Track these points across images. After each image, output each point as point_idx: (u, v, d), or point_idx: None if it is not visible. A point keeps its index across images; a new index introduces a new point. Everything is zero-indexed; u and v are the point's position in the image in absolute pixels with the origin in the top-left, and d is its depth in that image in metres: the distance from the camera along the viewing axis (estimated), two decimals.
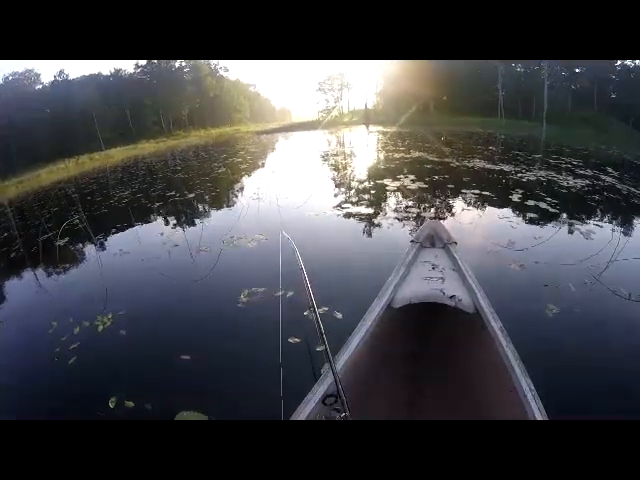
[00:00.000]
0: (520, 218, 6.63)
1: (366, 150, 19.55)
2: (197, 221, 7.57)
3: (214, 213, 8.43)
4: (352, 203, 7.81)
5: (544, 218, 6.61)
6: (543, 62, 38.12)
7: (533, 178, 10.08)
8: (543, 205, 7.27)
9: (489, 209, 7.30)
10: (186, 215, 8.17)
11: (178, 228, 7.15)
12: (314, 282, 2.43)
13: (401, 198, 8.19)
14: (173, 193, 10.43)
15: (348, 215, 6.95)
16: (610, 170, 12.07)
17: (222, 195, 10.17)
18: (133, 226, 7.85)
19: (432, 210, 7.17)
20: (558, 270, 4.41)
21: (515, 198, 7.83)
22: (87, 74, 48.21)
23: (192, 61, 52.58)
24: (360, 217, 6.79)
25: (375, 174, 11.04)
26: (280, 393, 2.34)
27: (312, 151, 19.99)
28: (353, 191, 9.13)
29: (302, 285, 2.52)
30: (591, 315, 3.61)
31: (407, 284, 2.37)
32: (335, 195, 8.83)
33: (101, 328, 3.83)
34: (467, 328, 2.31)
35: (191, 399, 2.75)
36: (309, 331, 3.24)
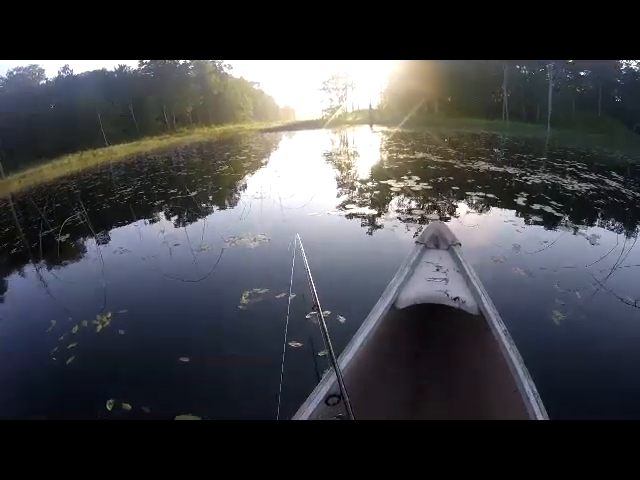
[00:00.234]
0: (525, 222, 6.57)
1: (370, 150, 19.45)
2: (198, 220, 7.50)
3: (216, 212, 8.37)
4: (356, 203, 7.75)
5: (549, 222, 6.56)
6: (548, 64, 37.95)
7: (538, 181, 10.03)
8: (548, 209, 7.21)
9: (494, 212, 7.25)
10: (187, 213, 8.10)
11: (179, 226, 7.11)
12: (317, 284, 2.38)
13: (405, 199, 8.14)
14: (175, 191, 10.38)
15: (352, 216, 6.89)
16: (614, 174, 12.01)
17: (224, 193, 10.13)
18: (134, 223, 7.77)
19: (436, 212, 7.12)
20: (564, 276, 4.36)
21: (520, 201, 7.76)
22: (91, 70, 48.35)
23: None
24: (364, 218, 6.73)
25: (379, 174, 10.97)
26: (280, 398, 2.29)
27: (316, 150, 19.93)
28: (357, 191, 9.07)
29: (304, 286, 2.49)
30: (598, 322, 3.56)
31: (411, 285, 2.37)
32: (338, 195, 8.77)
33: (100, 328, 3.78)
34: (470, 330, 2.30)
35: (189, 402, 2.70)
36: (311, 335, 3.21)
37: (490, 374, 2.05)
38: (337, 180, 10.92)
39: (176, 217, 8.07)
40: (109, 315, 3.96)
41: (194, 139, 37.80)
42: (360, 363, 1.89)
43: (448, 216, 6.88)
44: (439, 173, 10.79)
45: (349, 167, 13.42)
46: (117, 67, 50.17)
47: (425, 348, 2.55)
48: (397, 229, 6.01)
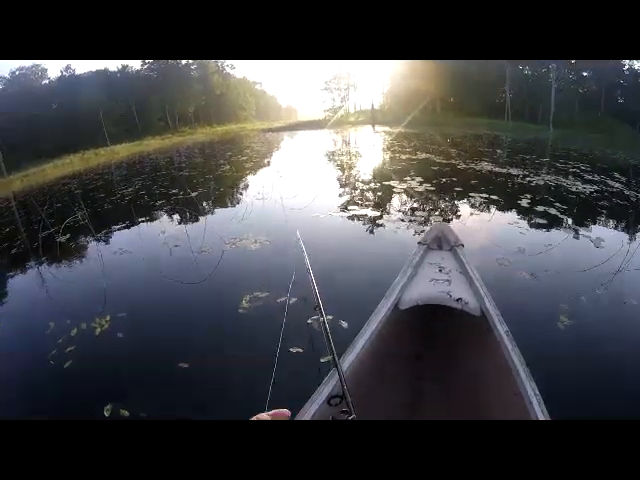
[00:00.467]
0: (529, 224, 6.53)
1: (372, 150, 19.43)
2: (199, 220, 7.47)
3: (217, 213, 8.35)
4: (358, 205, 7.71)
5: (553, 224, 6.54)
6: (551, 65, 37.93)
7: (541, 182, 9.99)
8: (552, 211, 7.18)
9: (498, 214, 7.20)
10: (188, 214, 8.03)
11: (180, 227, 7.04)
12: (319, 286, 2.34)
13: (408, 200, 8.10)
14: (176, 191, 10.34)
15: (354, 217, 6.85)
16: (617, 175, 11.98)
17: (226, 194, 10.10)
18: (135, 224, 7.73)
19: (440, 213, 7.07)
20: (568, 279, 4.35)
21: (524, 203, 7.72)
22: (94, 70, 48.38)
23: None
24: (366, 219, 6.70)
25: (382, 175, 10.94)
26: (279, 404, 2.24)
27: (318, 150, 19.91)
28: (359, 192, 9.04)
29: (305, 290, 2.47)
30: (603, 326, 3.54)
31: (414, 286, 2.37)
32: (341, 196, 8.73)
33: (98, 331, 3.75)
34: (473, 331, 2.30)
35: (187, 409, 2.67)
36: (312, 340, 3.19)
37: (492, 375, 2.06)
38: (339, 181, 10.89)
39: (177, 217, 8.03)
40: (108, 318, 3.92)
41: (196, 139, 37.78)
42: (362, 364, 1.89)
43: (451, 217, 6.84)
44: (442, 174, 10.74)
45: (351, 167, 13.39)
46: (120, 67, 50.19)
47: (427, 349, 2.56)
48: (400, 231, 5.97)
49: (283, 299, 3.87)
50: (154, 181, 12.85)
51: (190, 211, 8.14)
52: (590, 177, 11.22)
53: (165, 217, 8.18)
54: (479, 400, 2.13)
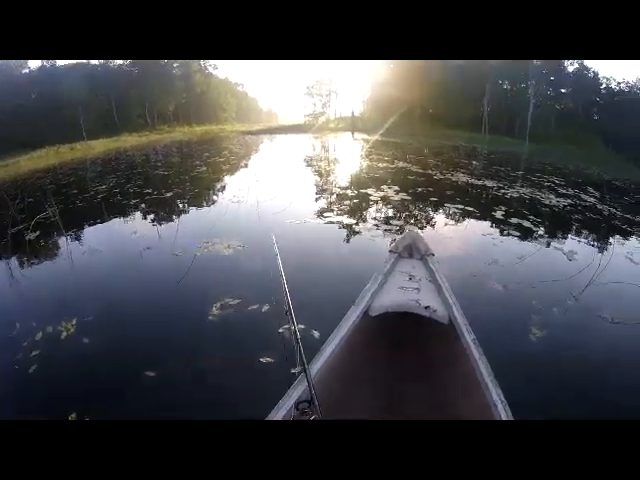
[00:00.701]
0: (503, 235, 6.58)
1: (351, 158, 19.48)
2: (172, 222, 7.27)
3: (191, 215, 8.12)
4: (334, 212, 7.64)
5: (527, 236, 6.62)
6: (530, 81, 38.78)
7: (516, 195, 10.13)
8: (526, 223, 7.28)
9: (472, 225, 7.23)
10: (161, 215, 7.85)
11: (152, 228, 6.82)
12: (292, 294, 2.27)
13: (384, 209, 8.07)
14: (150, 190, 10.11)
15: (330, 224, 6.78)
16: (591, 190, 12.26)
17: (201, 196, 9.87)
18: (107, 223, 7.50)
19: (415, 223, 7.07)
20: (541, 291, 4.39)
21: (498, 215, 7.79)
22: (75, 62, 47.34)
23: None
24: (342, 227, 6.63)
25: (359, 183, 10.92)
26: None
27: (297, 155, 19.88)
28: (336, 199, 8.98)
29: (278, 298, 2.44)
30: (576, 339, 3.61)
31: (384, 293, 2.40)
32: (317, 202, 8.66)
33: (64, 335, 3.57)
34: (441, 339, 2.35)
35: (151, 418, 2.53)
36: (283, 351, 3.08)
37: (460, 381, 2.11)
38: (316, 186, 10.82)
39: (150, 218, 7.81)
40: (74, 322, 3.74)
41: (174, 138, 37.22)
42: (332, 369, 1.91)
43: (427, 227, 6.85)
44: (418, 183, 10.80)
45: (329, 174, 13.35)
46: (101, 61, 49.26)
47: (397, 355, 2.59)
48: (376, 239, 5.92)
49: (255, 306, 3.81)
50: (128, 179, 12.50)
51: (163, 212, 7.96)
52: (564, 191, 11.46)
53: (138, 217, 7.94)
54: (449, 406, 2.16)
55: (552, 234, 6.93)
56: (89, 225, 7.45)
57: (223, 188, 10.87)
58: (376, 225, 6.69)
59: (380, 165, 14.40)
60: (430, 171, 13.33)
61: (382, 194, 9.19)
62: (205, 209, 8.53)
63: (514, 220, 7.42)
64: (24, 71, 44.26)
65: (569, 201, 9.96)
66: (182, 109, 53.89)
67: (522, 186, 11.67)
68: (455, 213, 7.93)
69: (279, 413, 1.53)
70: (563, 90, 40.46)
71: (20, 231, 6.94)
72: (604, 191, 12.82)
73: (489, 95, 39.40)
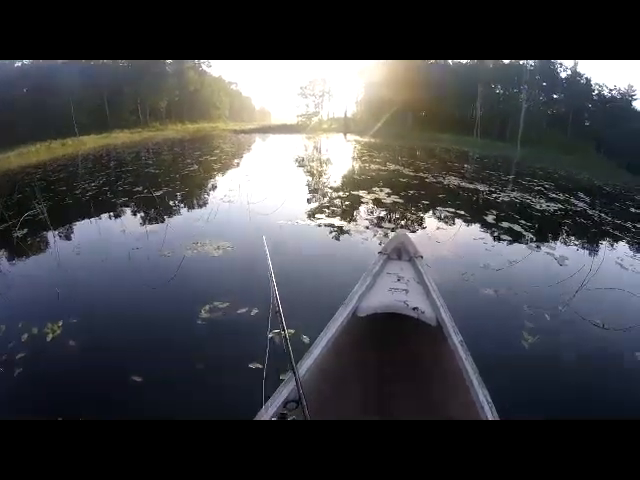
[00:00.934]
0: (494, 239, 6.59)
1: (343, 159, 19.51)
2: (161, 222, 7.16)
3: (180, 214, 8.02)
4: (326, 213, 7.59)
5: (518, 240, 6.65)
6: (522, 86, 39.10)
7: (507, 199, 10.18)
8: (517, 227, 7.31)
9: (464, 229, 7.23)
10: (151, 214, 7.73)
11: (141, 228, 6.72)
12: (282, 299, 2.24)
13: (376, 212, 8.05)
14: (140, 189, 9.98)
15: (321, 226, 6.74)
16: (582, 195, 12.38)
17: (191, 195, 9.77)
18: (95, 222, 7.38)
19: (407, 226, 7.06)
20: (532, 296, 4.39)
21: (490, 219, 7.82)
22: None
23: None
24: (333, 229, 6.59)
25: (350, 184, 10.91)
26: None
27: (289, 155, 19.81)
28: (327, 201, 8.93)
29: (267, 301, 2.43)
30: (566, 344, 3.61)
31: (372, 294, 2.42)
32: (309, 204, 8.62)
33: (50, 337, 3.49)
34: (429, 340, 2.35)
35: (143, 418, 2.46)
36: (272, 356, 3.03)
37: (447, 381, 2.12)
38: (308, 187, 10.79)
39: (139, 217, 7.71)
40: (60, 323, 3.65)
41: (166, 135, 36.94)
42: (320, 370, 1.91)
43: (418, 231, 6.83)
44: (410, 186, 10.81)
45: (321, 175, 13.33)
46: None
47: (385, 356, 2.60)
48: (367, 242, 5.89)
49: (244, 310, 3.75)
50: (119, 177, 12.36)
51: (153, 211, 7.86)
52: (555, 195, 11.54)
53: (126, 216, 7.82)
54: (435, 406, 2.19)
55: (543, 239, 6.95)
56: (78, 223, 7.35)
57: (214, 187, 10.79)
58: (367, 227, 6.67)
59: (372, 167, 14.42)
60: (422, 174, 13.36)
61: (374, 196, 9.17)
62: (195, 209, 8.44)
63: (505, 224, 7.44)
64: (16, 64, 43.67)
65: (560, 206, 10.03)
66: (175, 106, 53.53)
67: (513, 190, 11.74)
68: (447, 216, 7.93)
69: (267, 412, 1.53)
70: (555, 95, 40.91)
71: (8, 228, 6.81)
72: (595, 196, 12.94)
73: (481, 99, 39.61)
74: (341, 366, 2.23)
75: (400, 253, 2.89)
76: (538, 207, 9.55)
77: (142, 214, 7.91)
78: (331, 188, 10.60)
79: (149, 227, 6.66)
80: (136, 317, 3.88)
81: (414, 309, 2.25)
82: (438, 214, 8.12)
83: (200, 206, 8.63)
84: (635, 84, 54.14)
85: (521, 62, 39.74)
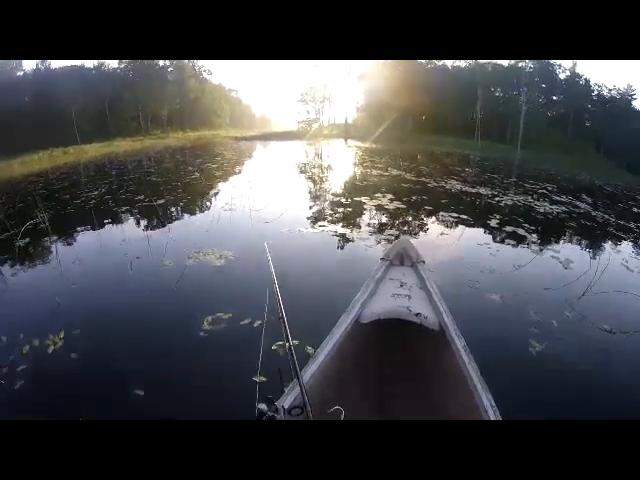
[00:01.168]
0: (499, 244, 6.55)
1: (344, 165, 19.47)
2: (163, 231, 7.12)
3: (182, 223, 7.98)
4: (328, 221, 7.56)
5: (522, 245, 6.62)
6: (522, 88, 39.15)
7: (510, 202, 10.14)
8: (521, 231, 7.28)
9: (467, 233, 7.19)
10: (152, 223, 7.73)
11: (142, 237, 6.70)
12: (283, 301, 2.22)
13: (379, 218, 8.03)
14: (142, 197, 9.96)
15: (324, 234, 6.70)
16: (584, 196, 12.35)
17: (193, 204, 9.76)
18: (97, 231, 7.36)
19: (410, 232, 7.03)
20: (538, 300, 4.37)
21: (493, 223, 7.78)
22: (70, 64, 46.96)
23: (176, 61, 51.86)
24: (336, 236, 6.56)
25: (353, 191, 10.87)
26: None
27: (290, 162, 19.80)
28: (330, 208, 8.89)
29: (271, 312, 2.37)
30: (577, 352, 3.56)
31: (375, 300, 2.45)
32: (311, 211, 8.58)
33: (51, 349, 3.46)
34: (432, 345, 2.38)
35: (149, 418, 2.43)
36: (276, 366, 2.97)
37: (450, 386, 2.13)
38: (310, 194, 10.77)
39: (140, 226, 7.71)
40: (62, 335, 3.62)
41: (168, 143, 37.02)
42: (324, 376, 1.95)
43: (421, 237, 6.79)
44: (413, 192, 10.78)
45: (323, 181, 13.32)
46: (96, 64, 48.80)
47: (388, 362, 2.61)
48: (370, 250, 5.86)
49: (247, 321, 3.72)
50: (120, 185, 12.38)
51: (154, 220, 7.84)
52: (558, 198, 11.51)
53: (128, 225, 7.82)
54: (439, 411, 2.18)
55: (547, 242, 6.93)
56: (79, 233, 7.32)
57: (216, 195, 10.79)
58: (371, 235, 6.64)
59: (374, 172, 14.40)
60: (424, 179, 13.34)
61: (376, 202, 9.16)
62: (197, 217, 8.42)
63: (509, 228, 7.41)
64: (18, 73, 43.93)
65: (563, 208, 10.01)
66: (176, 114, 53.69)
67: (516, 193, 11.70)
68: (450, 222, 7.89)
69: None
70: (555, 97, 40.94)
71: (10, 237, 6.80)
72: (597, 197, 12.90)
73: (481, 102, 39.64)
74: (345, 372, 2.24)
75: (402, 259, 2.92)
76: (542, 210, 9.51)
77: (144, 223, 7.91)
78: (333, 194, 10.60)
79: (151, 236, 6.65)
80: (138, 330, 3.84)
81: (417, 315, 2.28)
82: (441, 219, 8.09)
83: (201, 214, 8.61)
84: (634, 84, 54.25)
85: (520, 64, 39.91)
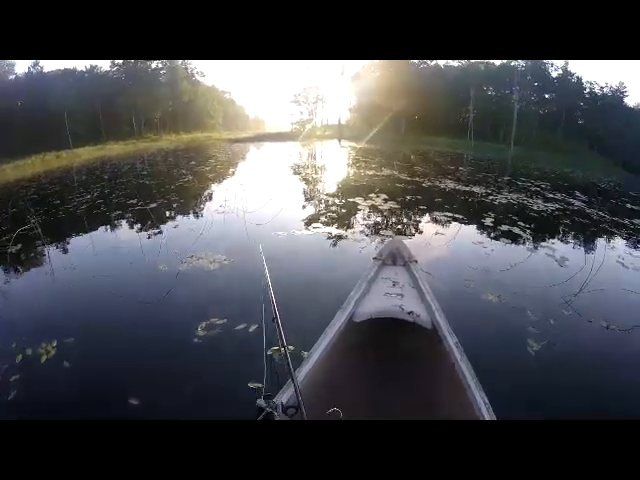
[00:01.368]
0: (494, 243, 6.54)
1: (338, 165, 19.47)
2: (156, 235, 7.03)
3: (175, 227, 7.86)
4: (323, 222, 7.50)
5: (517, 243, 6.63)
6: (514, 87, 39.32)
7: (504, 201, 10.15)
8: (516, 230, 7.28)
9: (462, 232, 7.16)
10: (145, 227, 7.63)
11: (136, 241, 6.56)
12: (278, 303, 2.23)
13: (373, 219, 7.99)
14: (134, 201, 9.86)
15: (319, 236, 6.65)
16: (578, 194, 12.41)
17: (186, 207, 9.69)
18: (90, 236, 7.28)
19: (405, 232, 7.00)
20: (535, 300, 4.35)
21: (488, 222, 7.78)
22: (62, 68, 46.72)
23: (169, 63, 51.84)
24: (331, 238, 6.51)
25: (347, 191, 10.84)
26: None
27: (284, 163, 19.74)
28: (324, 209, 8.86)
29: (265, 315, 2.53)
30: (574, 349, 3.55)
31: (368, 299, 2.51)
32: (305, 213, 8.52)
33: (44, 358, 3.39)
34: (425, 342, 2.41)
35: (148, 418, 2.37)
36: (271, 370, 2.93)
37: (443, 383, 2.17)
38: (304, 196, 10.73)
39: (133, 231, 7.60)
40: (54, 344, 3.56)
41: (161, 146, 36.91)
42: (318, 375, 1.97)
43: (416, 237, 6.76)
44: (407, 191, 10.77)
45: (317, 182, 13.29)
46: (88, 67, 48.58)
47: (382, 359, 2.63)
48: (365, 250, 5.81)
49: (242, 326, 3.66)
50: (113, 189, 12.29)
51: (147, 224, 7.76)
52: (551, 195, 11.56)
53: (121, 230, 7.73)
54: (432, 407, 2.21)
55: (542, 240, 6.94)
56: (72, 238, 7.24)
57: (209, 198, 10.74)
58: (365, 236, 6.60)
59: (368, 173, 14.39)
60: (417, 178, 13.34)
61: (370, 203, 9.13)
62: (190, 221, 8.33)
63: (504, 227, 7.42)
64: (11, 77, 43.69)
65: (557, 205, 10.05)
66: (169, 116, 53.53)
67: (510, 192, 11.73)
68: (445, 221, 7.88)
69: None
70: (547, 95, 41.18)
71: (1, 244, 6.71)
72: (591, 194, 12.96)
73: (474, 101, 39.76)
74: (339, 371, 2.25)
75: (395, 258, 2.99)
76: (536, 208, 9.54)
77: (136, 227, 7.81)
78: (327, 195, 10.57)
79: (144, 241, 6.57)
80: (131, 337, 3.76)
81: (409, 313, 2.32)
82: (436, 219, 8.07)
83: (194, 218, 8.53)
84: (626, 81, 54.65)
85: (512, 63, 40.08)
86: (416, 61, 44.40)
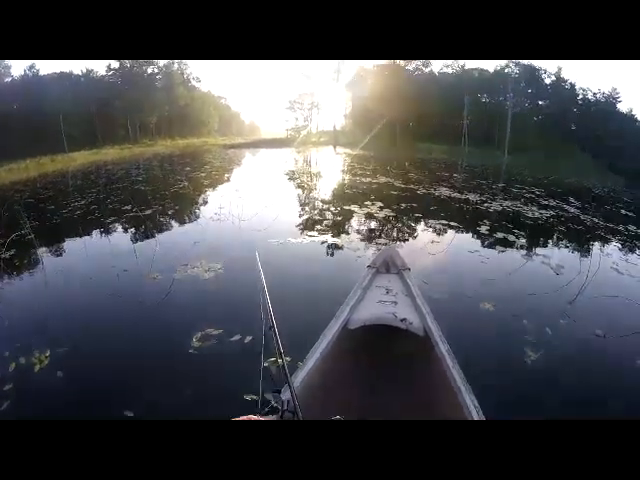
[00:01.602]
0: (489, 251, 6.55)
1: (333, 172, 19.46)
2: (150, 243, 6.96)
3: (170, 234, 7.80)
4: (318, 230, 7.46)
5: (513, 251, 6.64)
6: (508, 94, 39.55)
7: (499, 208, 10.20)
8: (511, 237, 7.32)
9: (458, 240, 7.19)
10: (139, 234, 7.60)
11: (130, 249, 6.53)
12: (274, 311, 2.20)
13: (369, 227, 7.99)
14: (129, 208, 9.79)
15: (314, 244, 6.63)
16: (572, 200, 12.50)
17: (181, 214, 9.62)
18: (84, 243, 7.19)
19: (400, 241, 7.01)
20: (531, 308, 4.36)
21: (483, 229, 7.81)
22: (58, 71, 46.57)
23: (165, 68, 51.90)
24: (327, 246, 6.49)
25: (342, 199, 10.84)
26: None
27: (279, 169, 19.74)
28: (319, 217, 8.83)
29: (260, 323, 2.51)
30: (571, 358, 3.57)
31: (362, 307, 2.56)
32: (301, 220, 8.51)
33: (37, 368, 3.35)
34: (417, 349, 2.47)
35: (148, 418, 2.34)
36: (267, 380, 2.91)
37: (435, 389, 2.21)
38: (300, 203, 10.73)
39: (127, 238, 7.55)
40: (48, 353, 3.52)
41: (156, 151, 36.78)
42: (314, 381, 2.00)
43: (411, 245, 6.77)
44: (402, 199, 10.79)
45: (312, 189, 13.29)
46: (84, 71, 48.43)
47: (375, 365, 2.68)
48: (360, 259, 5.79)
49: (238, 337, 3.63)
50: (108, 195, 12.20)
51: (141, 231, 7.72)
52: (546, 202, 11.64)
53: (115, 237, 7.65)
54: (425, 410, 2.22)
55: (538, 247, 6.98)
56: (66, 244, 7.20)
57: (204, 205, 10.71)
58: (361, 244, 6.59)
59: (363, 180, 14.41)
60: (413, 186, 13.37)
61: (366, 210, 9.14)
62: (185, 228, 8.28)
63: (499, 235, 7.44)
64: (7, 80, 43.54)
65: (552, 212, 10.10)
66: (165, 122, 53.46)
67: (505, 199, 11.79)
68: (440, 229, 7.90)
69: None
70: (541, 102, 41.45)
71: None
72: (585, 200, 13.04)
73: (468, 108, 39.96)
74: (334, 376, 2.29)
75: (388, 266, 3.04)
76: (531, 215, 9.58)
77: (131, 234, 7.77)
78: (323, 202, 10.57)
79: (138, 248, 6.51)
80: (125, 347, 3.70)
81: (402, 320, 2.38)
82: (431, 226, 8.10)
83: (190, 225, 8.49)
84: (618, 86, 55.17)
85: (506, 70, 40.33)
86: (410, 68, 44.74)
